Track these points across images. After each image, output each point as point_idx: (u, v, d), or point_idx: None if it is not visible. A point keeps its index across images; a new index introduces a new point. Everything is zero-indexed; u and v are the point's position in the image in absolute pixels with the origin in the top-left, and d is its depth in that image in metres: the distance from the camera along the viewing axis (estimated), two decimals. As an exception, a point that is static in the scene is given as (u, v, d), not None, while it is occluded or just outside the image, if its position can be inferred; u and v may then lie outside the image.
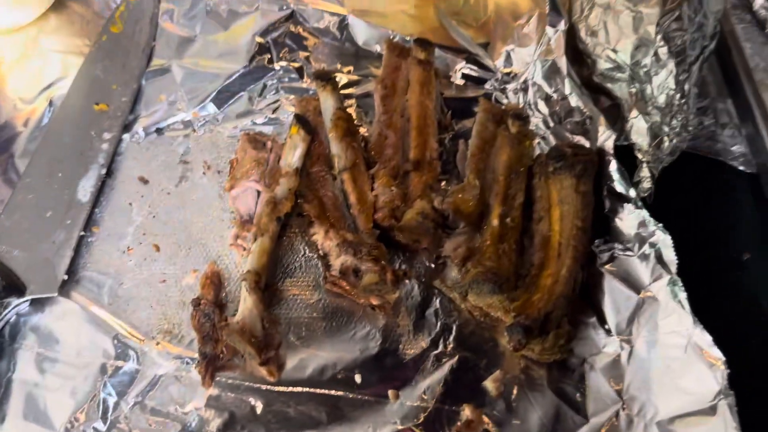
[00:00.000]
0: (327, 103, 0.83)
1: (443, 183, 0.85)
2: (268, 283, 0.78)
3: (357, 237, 0.76)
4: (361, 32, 0.95)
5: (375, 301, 0.75)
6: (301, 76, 0.95)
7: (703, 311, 0.70)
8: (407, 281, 0.78)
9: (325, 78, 0.83)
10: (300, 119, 0.81)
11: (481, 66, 0.93)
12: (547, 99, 0.86)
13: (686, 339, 0.67)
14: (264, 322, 0.73)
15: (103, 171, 0.87)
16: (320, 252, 0.79)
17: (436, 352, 0.75)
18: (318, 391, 0.73)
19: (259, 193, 0.81)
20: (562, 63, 0.83)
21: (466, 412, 0.71)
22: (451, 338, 0.76)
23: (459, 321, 0.77)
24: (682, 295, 0.69)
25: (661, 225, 0.71)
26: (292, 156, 0.80)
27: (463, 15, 0.96)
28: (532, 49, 0.89)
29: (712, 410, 0.64)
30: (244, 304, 0.73)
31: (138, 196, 0.86)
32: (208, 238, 0.83)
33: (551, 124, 0.86)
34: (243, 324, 0.71)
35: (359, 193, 0.79)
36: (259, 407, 0.72)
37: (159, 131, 0.91)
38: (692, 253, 0.75)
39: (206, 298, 0.76)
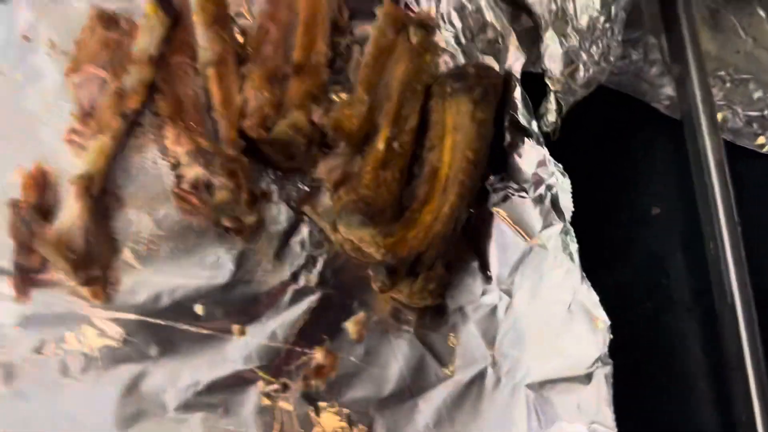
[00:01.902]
0: (194, -20, 0.69)
1: (334, 95, 0.74)
2: (105, 189, 0.66)
3: (214, 146, 0.65)
4: None
5: (229, 224, 0.64)
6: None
7: (596, 268, 0.62)
8: (269, 203, 0.67)
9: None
10: (158, -5, 0.67)
11: (395, -38, 0.80)
12: (461, 10, 0.74)
13: (571, 295, 0.60)
14: (89, 235, 0.62)
15: (-73, 39, 0.72)
16: (171, 160, 0.67)
17: (296, 287, 0.65)
18: (150, 320, 0.63)
19: (106, 82, 0.68)
20: (481, -29, 0.71)
21: (318, 355, 0.62)
22: (316, 272, 0.66)
23: (327, 255, 0.67)
24: (573, 247, 0.60)
25: (560, 166, 0.62)
26: (147, 41, 0.67)
27: None
28: (452, -51, 0.76)
29: (587, 378, 0.57)
30: (67, 212, 0.61)
31: (-34, 75, 0.72)
32: (44, 131, 0.69)
33: (462, 41, 0.75)
34: (60, 235, 0.60)
35: (225, 94, 0.67)
36: (80, 333, 0.62)
37: (1, -1, 0.76)
38: (595, 202, 0.67)
39: (27, 200, 0.64)
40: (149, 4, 0.68)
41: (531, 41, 0.73)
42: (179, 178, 0.66)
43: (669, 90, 0.76)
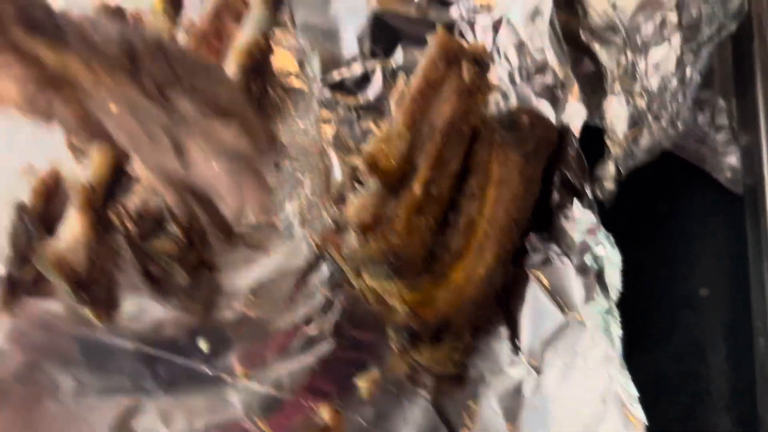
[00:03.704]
0: None
1: (371, 123, 0.69)
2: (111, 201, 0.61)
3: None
4: None
5: (153, 270, 0.60)
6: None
7: (634, 351, 0.57)
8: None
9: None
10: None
11: (452, -16, 0.74)
12: (520, 47, 0.69)
13: (606, 384, 0.54)
14: (93, 252, 0.57)
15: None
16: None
17: (308, 332, 0.61)
18: (150, 350, 0.59)
19: None
20: (547, 8, 0.65)
21: (323, 413, 0.57)
22: (332, 318, 0.61)
23: (347, 299, 0.62)
24: (616, 331, 0.55)
25: (611, 238, 0.57)
26: None
27: None
28: (517, -21, 0.70)
29: (612, 485, 0.52)
30: (70, 227, 0.57)
31: None
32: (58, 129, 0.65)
33: (517, 80, 0.69)
34: (61, 251, 0.55)
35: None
36: (74, 355, 0.58)
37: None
38: (639, 276, 0.62)
39: (34, 205, 0.60)
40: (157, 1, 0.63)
41: (592, 89, 0.67)
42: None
43: (733, 160, 0.69)
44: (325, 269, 0.63)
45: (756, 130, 0.67)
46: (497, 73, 0.70)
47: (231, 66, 0.60)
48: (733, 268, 0.66)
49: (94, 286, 0.57)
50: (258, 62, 0.62)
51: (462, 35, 0.72)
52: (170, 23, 0.63)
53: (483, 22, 0.72)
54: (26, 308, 0.59)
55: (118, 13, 0.65)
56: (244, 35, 0.62)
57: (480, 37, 0.72)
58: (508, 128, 0.61)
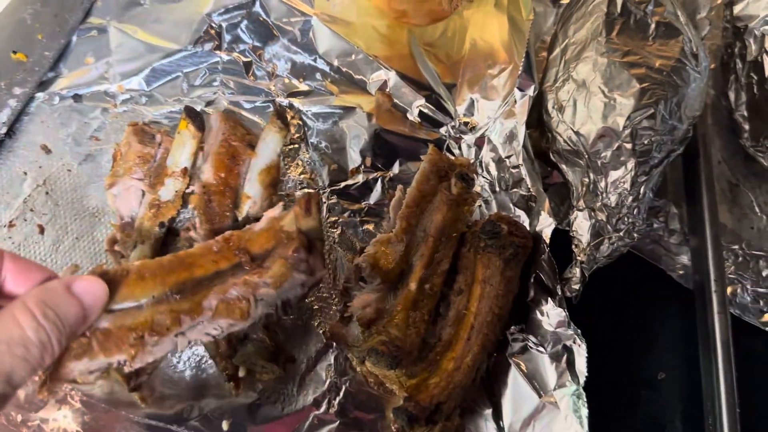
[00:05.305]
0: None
1: (371, 226, 0.80)
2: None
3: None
4: (324, 40, 0.87)
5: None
6: (247, 72, 0.86)
7: (602, 428, 0.66)
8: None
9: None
10: (190, 112, 0.72)
11: (441, 108, 0.86)
12: (499, 162, 0.80)
13: (577, 459, 0.63)
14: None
15: (4, 130, 0.78)
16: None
17: (317, 412, 0.69)
18: (179, 430, 0.67)
19: (144, 193, 0.72)
20: (521, 132, 0.77)
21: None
22: (337, 401, 0.70)
23: (350, 383, 0.71)
24: (584, 411, 0.64)
25: (579, 331, 0.67)
26: (180, 154, 0.71)
27: (436, 48, 0.89)
28: (497, 105, 0.82)
29: None
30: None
31: (35, 166, 0.78)
32: (100, 231, 0.75)
33: (497, 189, 0.80)
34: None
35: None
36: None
37: (77, 98, 0.82)
38: (605, 361, 0.71)
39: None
40: (182, 119, 0.72)
41: (561, 199, 0.78)
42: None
43: (685, 259, 0.80)
44: (331, 356, 0.72)
45: (703, 235, 0.79)
46: (480, 182, 0.81)
47: (255, 185, 0.71)
48: (686, 354, 0.76)
49: (140, 375, 0.66)
50: (276, 179, 0.72)
51: (450, 150, 0.84)
52: (193, 140, 0.73)
53: (468, 139, 0.84)
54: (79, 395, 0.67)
55: (147, 132, 0.74)
56: (261, 157, 0.73)
57: (465, 152, 0.83)
58: (489, 236, 0.71)
